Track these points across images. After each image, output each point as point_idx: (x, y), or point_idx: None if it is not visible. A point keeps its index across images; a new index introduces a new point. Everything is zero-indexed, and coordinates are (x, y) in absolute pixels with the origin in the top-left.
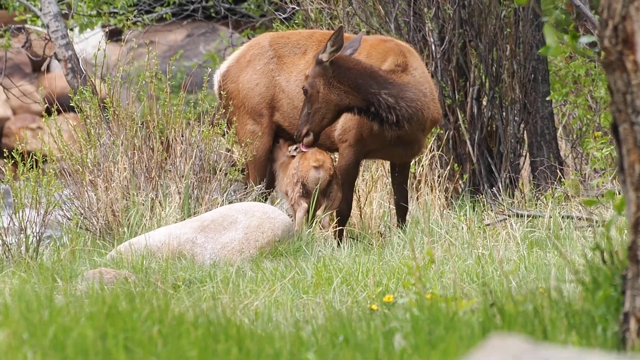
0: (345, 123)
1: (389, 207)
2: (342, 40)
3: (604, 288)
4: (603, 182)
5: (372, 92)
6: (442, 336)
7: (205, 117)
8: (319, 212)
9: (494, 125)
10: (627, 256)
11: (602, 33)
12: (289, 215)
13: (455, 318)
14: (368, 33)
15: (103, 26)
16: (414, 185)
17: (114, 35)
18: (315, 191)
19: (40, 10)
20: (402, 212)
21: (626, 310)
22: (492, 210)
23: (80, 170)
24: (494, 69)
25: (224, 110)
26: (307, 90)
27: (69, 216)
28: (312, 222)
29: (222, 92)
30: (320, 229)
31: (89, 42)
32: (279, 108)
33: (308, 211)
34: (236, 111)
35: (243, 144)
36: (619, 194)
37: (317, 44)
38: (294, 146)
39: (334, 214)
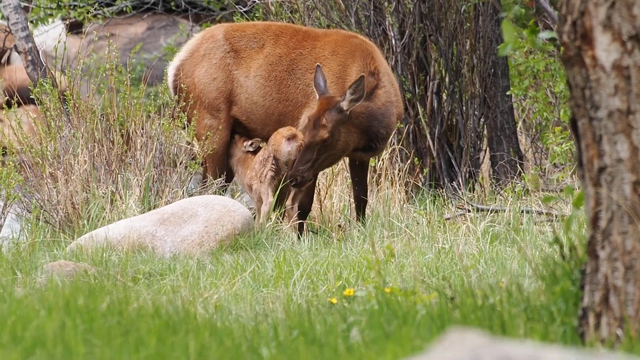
0: (306, 120)
1: (349, 200)
2: (363, 90)
3: (563, 283)
4: (563, 177)
5: (374, 130)
6: (400, 330)
7: (166, 110)
8: (287, 202)
9: (454, 120)
10: (585, 251)
11: (561, 28)
12: (250, 208)
13: (413, 312)
14: (328, 27)
15: (63, 19)
16: (374, 179)
17: (75, 28)
18: (282, 180)
19: (0, 2)
20: (361, 205)
21: (585, 305)
22: (452, 204)
23: (40, 162)
24: (453, 63)
25: (184, 103)
26: (327, 139)
27: (29, 209)
28: (280, 212)
29: (177, 86)
30: (282, 220)
31: (50, 35)
32: (236, 102)
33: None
34: (194, 105)
35: (202, 138)
36: (578, 189)
37: (274, 37)
38: (250, 141)
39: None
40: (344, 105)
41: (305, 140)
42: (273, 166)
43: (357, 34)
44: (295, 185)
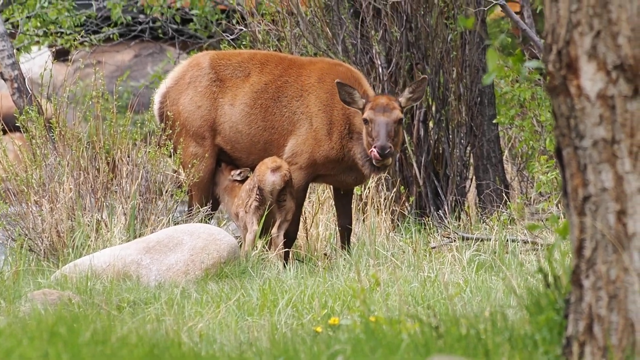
0: (297, 147)
1: (335, 229)
2: (423, 92)
3: (547, 312)
4: (548, 206)
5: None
6: (385, 359)
7: (152, 137)
8: (273, 231)
9: (440, 148)
10: (570, 280)
11: (546, 57)
12: (236, 237)
13: (398, 341)
14: (315, 55)
15: (50, 46)
16: (360, 208)
17: (61, 55)
18: (266, 209)
19: None
20: (346, 234)
21: (569, 334)
22: (438, 233)
23: (26, 190)
24: (440, 91)
25: (170, 131)
26: (402, 119)
27: (13, 237)
28: (266, 240)
29: (163, 113)
30: (268, 248)
31: (36, 62)
32: (220, 131)
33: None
34: (179, 133)
35: (187, 166)
36: (564, 217)
37: (260, 65)
38: (238, 171)
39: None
40: (402, 101)
41: (381, 120)
42: (258, 196)
43: (343, 62)
44: (387, 156)
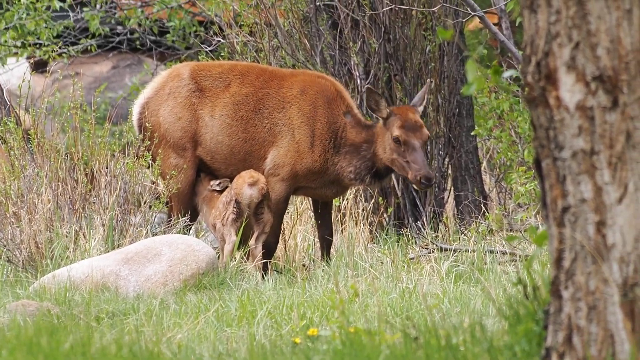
0: (279, 158)
1: (314, 240)
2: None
3: (526, 323)
4: (526, 217)
5: None
6: None
7: (130, 149)
8: (251, 242)
9: None
10: (549, 291)
11: (525, 69)
12: (214, 248)
13: (377, 352)
14: (294, 66)
15: (28, 57)
16: (339, 219)
17: (39, 67)
18: (244, 220)
19: None
20: (326, 245)
21: (548, 345)
22: (416, 244)
23: (4, 201)
24: None
25: (149, 142)
26: (430, 136)
27: None
28: (244, 252)
29: (142, 124)
30: (246, 259)
31: (14, 73)
32: (201, 142)
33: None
34: (158, 144)
35: (167, 177)
36: (542, 228)
37: (240, 76)
38: (217, 181)
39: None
40: (420, 108)
41: (417, 145)
42: (235, 209)
43: (324, 74)
44: (432, 185)
